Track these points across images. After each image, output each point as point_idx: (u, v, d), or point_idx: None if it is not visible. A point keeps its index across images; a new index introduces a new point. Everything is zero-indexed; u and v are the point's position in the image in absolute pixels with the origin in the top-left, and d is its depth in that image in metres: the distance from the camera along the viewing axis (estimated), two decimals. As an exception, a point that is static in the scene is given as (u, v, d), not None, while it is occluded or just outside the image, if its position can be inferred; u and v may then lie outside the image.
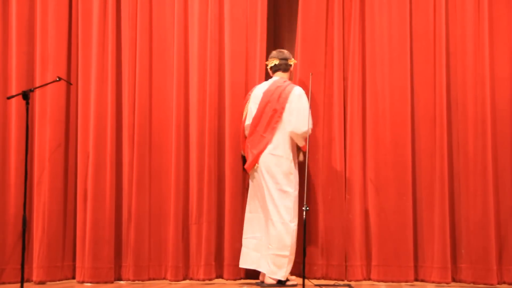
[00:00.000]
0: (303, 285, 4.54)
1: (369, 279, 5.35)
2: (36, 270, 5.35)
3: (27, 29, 5.56)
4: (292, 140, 5.16)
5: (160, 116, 5.57)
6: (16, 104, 5.44)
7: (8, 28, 5.54)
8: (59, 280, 5.44)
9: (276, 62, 5.32)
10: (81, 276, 5.36)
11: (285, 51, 5.39)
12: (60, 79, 5.15)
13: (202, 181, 5.43)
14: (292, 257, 5.08)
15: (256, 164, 5.15)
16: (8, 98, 5.13)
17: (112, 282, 5.39)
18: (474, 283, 5.22)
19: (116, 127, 5.53)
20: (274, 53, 5.39)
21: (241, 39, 5.54)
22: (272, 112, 5.14)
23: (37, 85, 5.42)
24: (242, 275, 5.40)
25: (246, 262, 5.24)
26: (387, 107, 5.43)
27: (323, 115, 5.48)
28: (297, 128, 5.05)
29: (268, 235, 5.09)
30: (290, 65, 5.36)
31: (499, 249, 5.25)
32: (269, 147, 5.12)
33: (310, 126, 5.10)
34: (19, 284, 4.81)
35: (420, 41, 5.45)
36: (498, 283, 5.21)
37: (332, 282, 5.24)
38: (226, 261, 5.39)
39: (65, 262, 5.47)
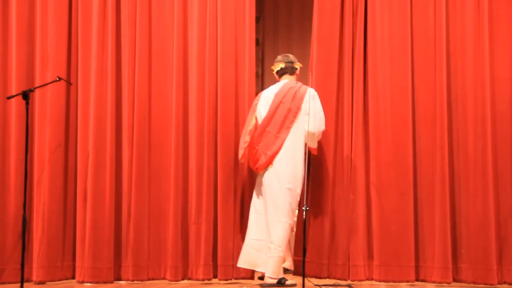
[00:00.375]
0: (303, 285, 4.52)
1: (372, 279, 5.34)
2: (36, 270, 5.35)
3: (27, 29, 5.56)
4: (304, 140, 5.14)
5: (160, 116, 5.56)
6: (16, 104, 5.44)
7: (8, 28, 5.55)
8: (59, 280, 5.43)
9: (282, 65, 5.31)
10: (81, 276, 5.36)
11: (290, 55, 5.38)
12: (60, 79, 5.16)
13: (201, 181, 5.43)
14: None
15: (270, 165, 5.13)
16: (8, 98, 5.14)
17: (111, 282, 5.39)
18: (474, 283, 5.22)
19: (115, 127, 5.52)
20: (279, 57, 5.38)
21: (230, 39, 5.54)
22: (286, 112, 5.11)
23: (37, 85, 5.42)
24: (235, 275, 5.39)
25: (250, 263, 5.19)
26: (388, 107, 5.42)
27: (335, 115, 5.46)
28: (314, 127, 5.03)
29: (269, 236, 5.06)
30: (296, 68, 5.34)
31: (499, 249, 5.24)
32: (284, 147, 5.09)
33: (324, 127, 5.10)
34: (19, 284, 4.80)
35: (420, 41, 5.45)
36: (499, 283, 5.20)
37: (332, 282, 5.23)
38: (220, 262, 5.39)
39: (65, 262, 5.46)
